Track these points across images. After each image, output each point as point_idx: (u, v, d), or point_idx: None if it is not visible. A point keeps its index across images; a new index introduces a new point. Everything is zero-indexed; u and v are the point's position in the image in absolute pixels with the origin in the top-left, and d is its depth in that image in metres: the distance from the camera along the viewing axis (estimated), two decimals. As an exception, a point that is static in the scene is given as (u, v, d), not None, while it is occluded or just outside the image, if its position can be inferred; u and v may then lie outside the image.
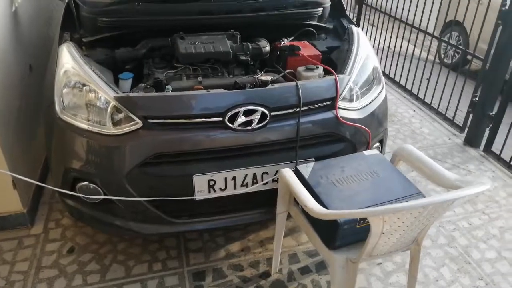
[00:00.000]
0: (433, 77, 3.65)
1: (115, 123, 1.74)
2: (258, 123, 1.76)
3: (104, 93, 1.73)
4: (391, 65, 4.17)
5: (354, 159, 1.80)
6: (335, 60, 2.16)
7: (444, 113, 3.52)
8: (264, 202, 1.93)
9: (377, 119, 2.06)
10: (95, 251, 2.16)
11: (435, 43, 3.82)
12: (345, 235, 1.52)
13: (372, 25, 4.52)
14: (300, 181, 1.66)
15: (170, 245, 2.21)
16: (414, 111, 3.71)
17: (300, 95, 1.80)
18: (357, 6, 4.66)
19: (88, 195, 1.82)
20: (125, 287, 1.97)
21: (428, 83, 3.69)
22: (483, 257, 2.19)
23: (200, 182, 1.77)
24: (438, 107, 3.58)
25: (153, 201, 1.79)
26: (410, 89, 3.93)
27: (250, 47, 2.05)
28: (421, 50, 3.90)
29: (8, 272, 2.03)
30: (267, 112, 1.76)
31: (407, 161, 1.78)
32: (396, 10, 4.00)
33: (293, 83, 1.84)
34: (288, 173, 1.64)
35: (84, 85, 1.78)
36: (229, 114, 1.72)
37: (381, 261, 2.15)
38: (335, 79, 1.90)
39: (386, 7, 4.19)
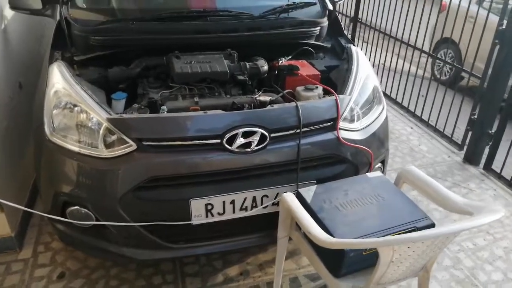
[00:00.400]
0: (429, 94, 3.62)
1: (108, 145, 1.67)
2: (257, 145, 1.70)
3: (96, 114, 1.66)
4: (386, 82, 4.15)
5: (358, 181, 1.74)
6: (334, 80, 2.12)
7: (442, 130, 3.49)
8: (263, 226, 1.86)
9: (379, 139, 2.02)
10: (87, 277, 2.06)
11: (427, 59, 3.81)
12: (352, 263, 1.46)
13: (367, 43, 4.52)
14: (302, 206, 1.60)
15: (166, 269, 2.12)
16: (411, 128, 3.68)
17: (301, 116, 1.75)
18: (351, 24, 4.66)
19: (79, 220, 1.74)
20: (118, 316, 1.88)
21: (425, 101, 3.66)
22: (490, 279, 2.13)
23: (197, 206, 1.70)
24: (436, 124, 3.56)
25: (148, 226, 1.71)
26: (406, 106, 3.91)
27: (248, 66, 2.00)
28: (417, 68, 3.90)
29: (-6, 301, 1.93)
30: (266, 134, 1.70)
31: (412, 184, 1.73)
32: (391, 28, 4.01)
33: (293, 103, 1.79)
34: (289, 197, 1.57)
35: (75, 105, 1.71)
36: (227, 135, 1.66)
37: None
38: (336, 99, 1.86)
39: (380, 25, 4.20)
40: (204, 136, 1.66)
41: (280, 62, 2.13)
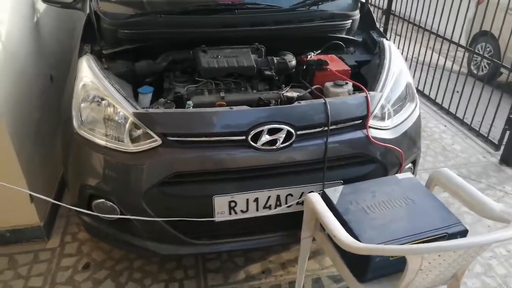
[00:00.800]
0: (465, 90, 3.46)
1: (133, 140, 1.67)
2: (283, 143, 1.66)
3: (122, 108, 1.66)
4: (419, 77, 4.01)
5: (387, 183, 1.68)
6: (365, 76, 2.04)
7: (478, 129, 3.33)
8: (287, 225, 1.83)
9: (411, 138, 1.94)
10: (111, 268, 2.09)
11: (463, 54, 3.61)
12: (377, 268, 1.40)
13: (399, 36, 4.36)
14: (328, 206, 1.55)
15: (188, 264, 2.12)
16: (445, 126, 3.54)
17: (329, 113, 1.69)
18: (384, 16, 4.51)
19: (104, 213, 1.75)
20: (141, 308, 1.89)
21: (460, 97, 3.50)
22: (524, 289, 2.03)
23: (220, 203, 1.68)
24: (471, 122, 3.40)
25: (172, 222, 1.71)
26: (440, 103, 3.76)
27: (276, 61, 1.95)
28: (453, 63, 3.72)
29: (22, 287, 1.98)
30: (292, 131, 1.66)
31: (444, 187, 1.65)
32: (426, 20, 3.84)
33: (321, 100, 1.74)
34: (315, 198, 1.53)
35: (102, 99, 1.72)
36: (253, 132, 1.63)
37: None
38: (366, 96, 1.79)
39: (414, 18, 4.03)
40: (229, 132, 1.64)
41: (309, 56, 2.07)
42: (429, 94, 3.91)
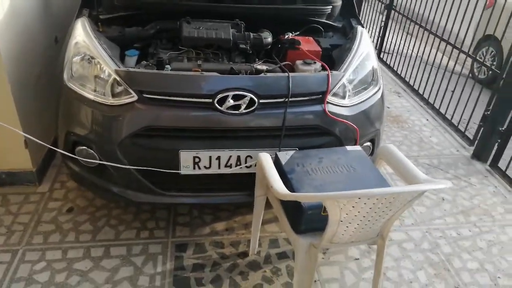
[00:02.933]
0: (460, 90, 3.44)
1: (115, 95, 1.87)
2: (246, 108, 1.85)
3: (106, 66, 1.87)
4: (411, 72, 4.13)
5: (335, 152, 1.86)
6: (335, 58, 2.21)
7: (456, 124, 3.47)
8: (249, 185, 2.01)
9: (368, 118, 2.10)
10: (91, 214, 2.32)
11: (465, 59, 3.61)
12: (310, 221, 1.59)
13: (405, 32, 4.44)
14: (277, 167, 1.74)
15: (161, 216, 2.34)
16: (427, 120, 3.68)
17: (290, 85, 1.87)
18: (385, 11, 4.63)
19: (86, 159, 1.97)
20: (112, 249, 2.12)
21: (451, 96, 3.53)
22: (464, 267, 2.19)
23: (185, 157, 1.88)
24: (452, 118, 3.54)
25: (143, 171, 1.92)
26: (427, 98, 3.89)
27: (252, 36, 2.14)
28: (455, 64, 3.59)
29: (11, 222, 2.22)
30: (255, 99, 1.84)
31: (386, 160, 1.82)
32: (428, 18, 3.85)
33: (285, 74, 1.92)
34: (264, 157, 1.72)
35: (91, 57, 1.92)
36: (219, 96, 1.82)
37: (358, 256, 2.19)
38: (328, 74, 1.96)
39: (417, 14, 4.07)
40: (197, 94, 1.83)
41: (286, 36, 2.24)
42: (418, 88, 4.02)
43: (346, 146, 1.92)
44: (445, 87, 3.64)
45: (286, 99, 1.88)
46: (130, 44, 2.16)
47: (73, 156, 1.97)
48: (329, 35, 2.45)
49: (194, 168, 1.92)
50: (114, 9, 2.24)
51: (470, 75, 3.81)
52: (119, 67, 1.87)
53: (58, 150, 2.01)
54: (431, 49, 3.86)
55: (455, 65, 3.58)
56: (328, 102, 1.96)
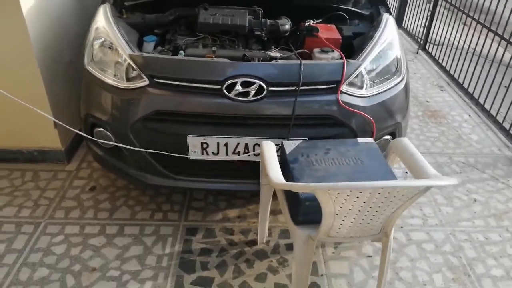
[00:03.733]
0: (509, 83, 3.11)
1: (130, 79, 1.92)
2: (254, 96, 1.82)
3: (122, 50, 1.92)
4: (457, 65, 3.86)
5: (344, 144, 1.79)
6: (355, 46, 2.12)
7: (501, 121, 3.21)
8: (258, 174, 2.00)
9: (387, 110, 2.00)
10: (112, 193, 2.41)
11: None
12: (308, 212, 1.54)
13: (456, 21, 4.15)
14: (281, 156, 1.71)
15: (176, 200, 2.38)
16: (469, 116, 3.44)
17: (301, 73, 1.82)
18: (432, 0, 4.36)
19: (103, 140, 2.04)
20: (126, 227, 2.19)
21: (498, 90, 3.24)
22: (487, 273, 2.04)
23: (193, 142, 1.89)
24: (497, 114, 3.28)
25: (154, 154, 1.96)
26: (471, 93, 3.63)
27: (268, 23, 2.10)
28: (510, 60, 3.18)
29: (38, 196, 2.37)
30: (265, 86, 1.81)
31: (398, 154, 1.73)
32: (483, 5, 3.49)
33: (297, 61, 1.86)
34: (267, 145, 1.69)
35: (109, 43, 1.98)
36: (227, 83, 1.81)
37: (372, 254, 2.11)
38: (343, 63, 1.88)
39: (471, 1, 3.74)
40: (206, 80, 1.83)
41: (307, 23, 2.18)
42: (463, 83, 3.76)
43: (358, 139, 1.84)
44: (493, 81, 3.34)
45: (297, 88, 1.83)
46: (150, 30, 2.20)
47: (90, 137, 2.06)
48: (355, 23, 2.35)
49: (202, 153, 1.93)
50: (139, -4, 2.29)
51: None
52: (134, 52, 1.91)
53: (77, 131, 2.10)
54: (484, 40, 3.53)
55: (510, 61, 3.20)
56: (343, 92, 1.88)
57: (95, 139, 2.06)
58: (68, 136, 2.64)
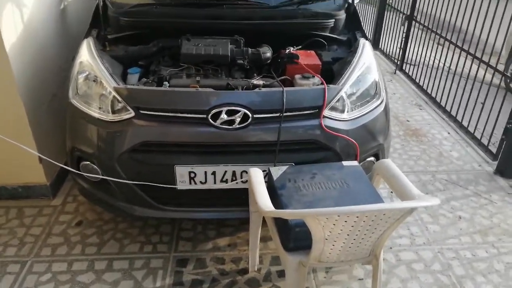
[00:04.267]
0: (482, 98, 3.26)
1: (115, 112, 1.93)
2: (239, 123, 1.85)
3: (106, 83, 1.93)
4: (433, 83, 3.99)
5: (330, 167, 1.82)
6: (335, 71, 2.18)
7: (479, 138, 3.31)
8: (246, 201, 2.00)
9: (370, 132, 2.05)
10: (99, 227, 2.38)
11: (493, 73, 3.25)
12: (298, 238, 1.55)
13: (431, 41, 4.30)
14: (269, 182, 1.73)
15: (165, 231, 2.36)
16: (448, 133, 3.53)
17: (284, 100, 1.86)
18: (406, 22, 4.52)
19: (89, 174, 2.03)
20: (115, 262, 2.16)
21: (474, 106, 3.31)
22: (477, 290, 2.07)
23: (181, 172, 1.90)
24: (474, 131, 3.38)
25: (142, 186, 1.95)
26: (449, 110, 3.74)
27: (250, 52, 2.15)
28: (490, 79, 3.33)
29: (23, 234, 2.32)
30: (249, 114, 1.85)
31: (382, 175, 1.76)
32: (454, 25, 3.61)
33: (280, 88, 1.91)
34: (254, 172, 1.71)
35: (94, 76, 2.00)
36: (213, 112, 1.83)
37: (363, 276, 2.11)
38: (324, 89, 1.94)
39: (443, 21, 3.85)
40: (192, 110, 1.85)
41: (288, 51, 2.24)
42: (441, 101, 3.87)
43: (343, 162, 1.87)
44: (469, 98, 3.43)
45: (281, 114, 1.87)
46: (134, 62, 2.23)
47: (77, 171, 2.04)
48: (333, 48, 2.42)
49: (190, 183, 1.93)
50: (121, 29, 2.33)
51: (502, 84, 3.51)
52: (118, 85, 1.93)
53: (63, 166, 2.09)
54: (458, 58, 3.66)
55: (490, 82, 3.28)
56: (325, 117, 1.93)
57: (82, 173, 2.04)
58: (53, 170, 2.61)
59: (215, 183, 1.94)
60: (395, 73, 4.79)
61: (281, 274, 2.11)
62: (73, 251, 2.22)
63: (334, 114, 1.96)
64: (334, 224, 1.32)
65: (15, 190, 2.55)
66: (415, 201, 1.33)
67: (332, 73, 2.18)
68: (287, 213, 1.42)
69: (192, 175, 1.91)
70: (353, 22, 2.51)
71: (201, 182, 1.94)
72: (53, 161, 2.11)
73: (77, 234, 2.33)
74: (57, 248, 2.23)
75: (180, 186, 1.94)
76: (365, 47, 2.23)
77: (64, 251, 2.22)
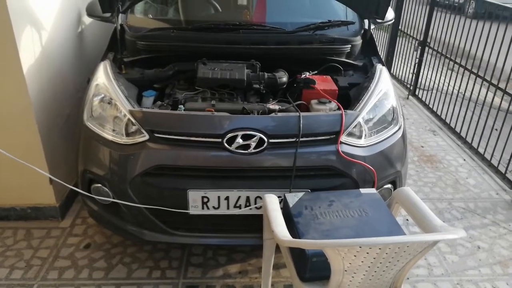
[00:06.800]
0: (499, 125, 3.18)
1: (129, 134, 1.91)
2: (255, 148, 1.82)
3: (122, 106, 1.92)
4: (448, 109, 3.95)
5: (348, 195, 1.77)
6: (352, 97, 2.16)
7: (496, 165, 3.24)
8: (260, 227, 1.95)
9: (387, 159, 2.00)
10: (107, 251, 2.33)
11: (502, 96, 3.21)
12: (315, 268, 1.49)
13: (444, 67, 4.28)
14: (285, 209, 1.68)
15: (174, 256, 2.31)
16: (464, 160, 3.47)
17: (301, 125, 1.83)
18: (419, 47, 4.52)
19: (100, 196, 2.00)
20: (123, 288, 2.10)
21: (490, 133, 3.27)
22: (500, 326, 1.97)
23: (194, 197, 1.86)
24: (491, 158, 3.31)
25: (153, 210, 1.91)
26: (464, 137, 3.68)
27: (266, 76, 2.14)
28: (498, 103, 3.23)
29: (30, 256, 2.27)
30: (265, 139, 1.81)
31: (402, 204, 1.70)
32: (469, 51, 3.58)
33: (296, 113, 1.88)
34: (269, 198, 1.66)
35: (109, 98, 1.99)
36: (228, 136, 1.81)
37: (379, 309, 2.02)
38: (341, 114, 1.91)
39: (457, 48, 3.81)
40: (207, 134, 1.83)
41: (304, 75, 2.23)
42: (455, 127, 3.82)
43: (361, 189, 1.82)
44: (485, 124, 3.39)
45: (297, 139, 1.83)
46: (149, 85, 2.22)
47: (88, 194, 2.01)
48: (349, 73, 2.40)
49: (203, 208, 1.89)
50: (137, 52, 2.34)
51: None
52: (134, 107, 1.92)
53: (73, 188, 2.06)
54: (474, 84, 3.62)
55: (499, 105, 3.28)
56: (342, 142, 1.89)
57: (93, 196, 2.01)
58: (63, 191, 2.59)
59: (228, 208, 1.90)
60: (407, 98, 4.77)
61: (294, 304, 2.03)
62: (80, 275, 2.17)
63: (351, 140, 1.92)
64: (355, 256, 1.27)
65: (24, 211, 2.52)
66: (441, 234, 1.27)
67: (348, 98, 2.16)
68: (306, 243, 1.37)
69: (205, 200, 1.87)
70: (370, 47, 2.50)
71: (214, 207, 1.89)
72: (64, 183, 2.08)
73: (85, 258, 2.28)
74: (64, 272, 2.19)
75: (192, 211, 1.90)
76: (382, 73, 2.21)
77: (71, 275, 2.17)
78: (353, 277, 1.37)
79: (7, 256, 2.27)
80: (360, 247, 1.23)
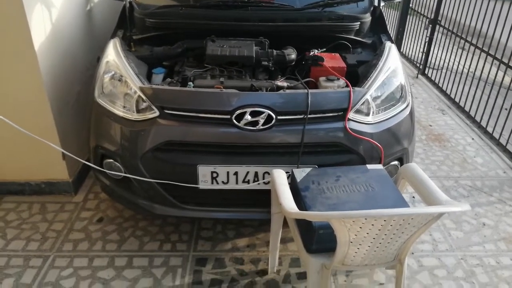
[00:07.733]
0: (511, 105, 3.20)
1: (140, 111, 1.95)
2: (263, 125, 1.84)
3: (132, 83, 1.95)
4: (457, 88, 3.92)
5: (354, 170, 1.80)
6: (360, 74, 2.16)
7: (505, 144, 3.23)
8: (268, 202, 1.99)
9: (394, 136, 2.02)
10: (119, 224, 2.40)
11: None
12: (322, 240, 1.54)
13: (454, 46, 4.23)
14: (292, 184, 1.72)
15: (185, 230, 2.37)
16: (472, 139, 3.46)
17: (309, 102, 1.85)
18: (430, 26, 4.46)
19: (112, 171, 2.05)
20: (135, 259, 2.17)
21: (500, 112, 3.25)
22: (502, 300, 2.01)
23: (203, 172, 1.90)
24: (500, 137, 3.30)
25: (163, 184, 1.96)
26: (473, 116, 3.67)
27: (274, 53, 2.15)
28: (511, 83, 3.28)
29: (45, 229, 2.35)
30: (273, 115, 1.84)
31: (408, 180, 1.74)
32: (480, 30, 3.56)
33: (304, 90, 1.90)
34: (277, 173, 1.70)
35: (119, 75, 2.02)
36: (237, 112, 1.83)
37: (384, 281, 2.08)
38: (349, 91, 1.92)
39: (468, 26, 3.76)
40: (216, 110, 1.86)
41: (312, 53, 2.23)
42: (465, 106, 3.80)
43: (367, 165, 1.85)
44: (495, 103, 3.37)
45: (305, 116, 1.86)
46: (159, 62, 2.24)
47: (100, 169, 2.07)
48: (358, 51, 2.40)
49: (212, 182, 1.93)
50: (146, 30, 2.35)
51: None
52: (144, 84, 1.95)
53: (86, 162, 2.11)
54: (484, 64, 3.60)
55: (510, 81, 3.30)
56: (350, 119, 1.91)
57: (105, 170, 2.06)
58: (76, 167, 2.65)
59: (237, 183, 1.94)
60: (417, 77, 4.73)
61: (301, 276, 2.10)
62: (94, 247, 2.25)
63: (359, 117, 1.94)
64: (360, 228, 1.31)
65: (38, 186, 2.59)
66: (445, 206, 1.30)
67: (357, 76, 2.16)
68: (312, 215, 1.41)
69: (215, 175, 1.91)
70: (379, 25, 2.48)
71: (223, 182, 1.94)
72: (76, 158, 2.13)
73: (98, 231, 2.36)
74: (79, 244, 2.26)
75: (202, 185, 1.94)
76: (391, 50, 2.20)
77: (86, 246, 2.25)
78: (358, 248, 1.42)
79: (23, 229, 2.35)
80: (365, 218, 1.27)
